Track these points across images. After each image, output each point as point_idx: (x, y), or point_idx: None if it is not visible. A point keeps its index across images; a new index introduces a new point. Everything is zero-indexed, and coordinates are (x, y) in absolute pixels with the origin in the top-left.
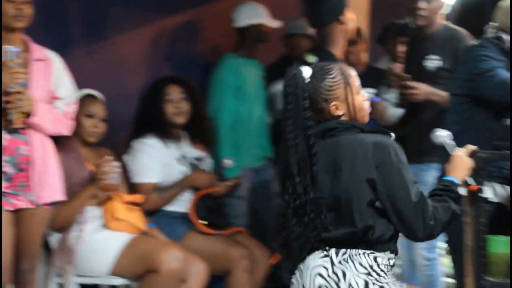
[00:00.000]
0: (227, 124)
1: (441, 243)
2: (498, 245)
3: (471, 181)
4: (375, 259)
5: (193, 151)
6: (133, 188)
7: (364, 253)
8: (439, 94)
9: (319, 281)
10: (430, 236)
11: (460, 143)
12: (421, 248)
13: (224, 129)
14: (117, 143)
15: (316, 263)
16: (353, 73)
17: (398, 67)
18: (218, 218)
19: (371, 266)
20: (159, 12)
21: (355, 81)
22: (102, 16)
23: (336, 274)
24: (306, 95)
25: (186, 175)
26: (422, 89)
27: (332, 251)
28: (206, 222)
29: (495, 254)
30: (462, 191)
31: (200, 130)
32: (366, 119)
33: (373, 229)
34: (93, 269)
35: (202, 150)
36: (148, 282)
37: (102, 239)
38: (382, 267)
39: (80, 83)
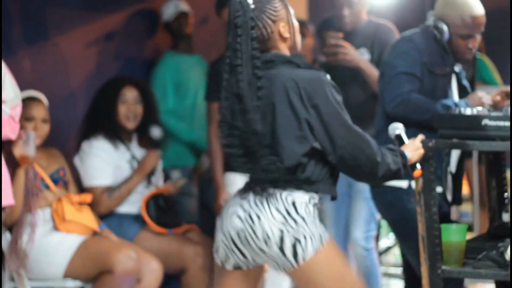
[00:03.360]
0: (170, 123)
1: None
2: (451, 233)
3: (418, 165)
4: (293, 202)
5: (142, 152)
6: (84, 192)
7: (281, 195)
8: (369, 66)
9: (237, 223)
10: (373, 174)
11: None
12: (358, 238)
13: (169, 128)
14: (63, 143)
15: (234, 203)
16: None
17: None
18: (169, 217)
19: (288, 212)
20: (98, 12)
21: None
22: (41, 16)
23: (251, 218)
24: (254, 24)
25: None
26: (352, 52)
27: (251, 193)
28: (157, 222)
29: (448, 242)
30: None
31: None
32: (299, 46)
33: (304, 166)
34: (46, 272)
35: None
36: (103, 283)
37: (54, 242)
38: (300, 211)
39: (23, 85)
